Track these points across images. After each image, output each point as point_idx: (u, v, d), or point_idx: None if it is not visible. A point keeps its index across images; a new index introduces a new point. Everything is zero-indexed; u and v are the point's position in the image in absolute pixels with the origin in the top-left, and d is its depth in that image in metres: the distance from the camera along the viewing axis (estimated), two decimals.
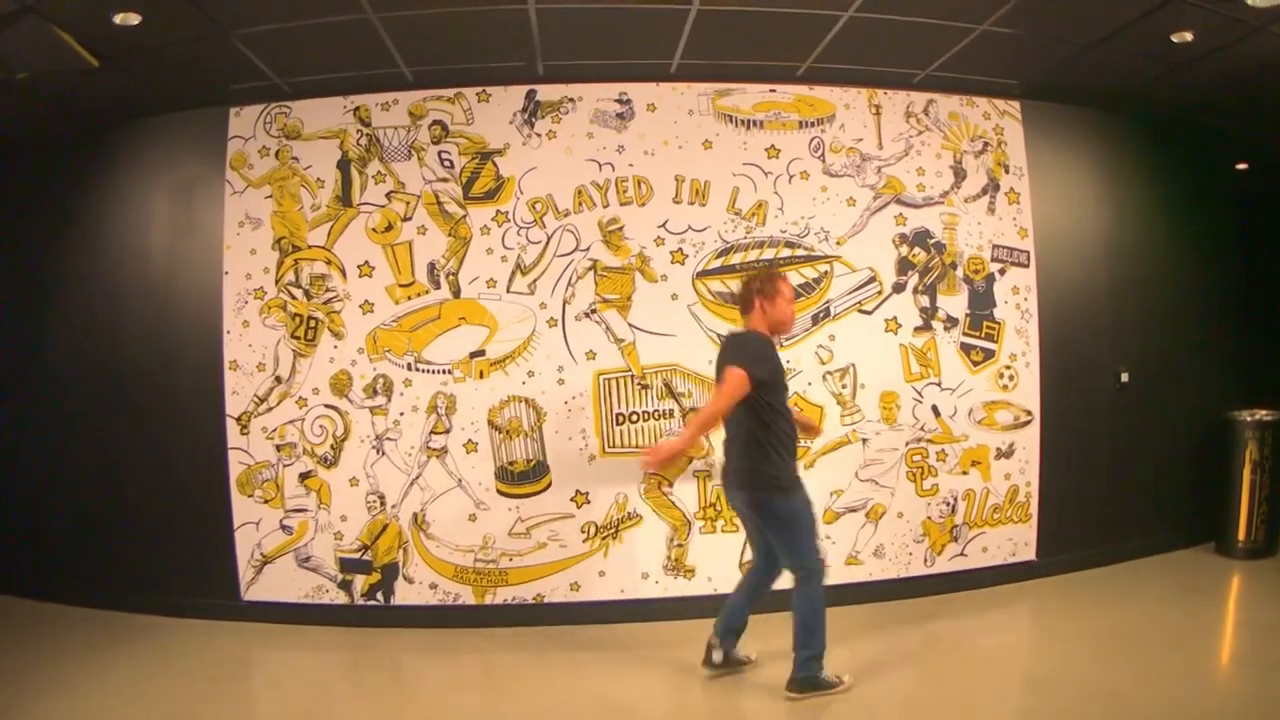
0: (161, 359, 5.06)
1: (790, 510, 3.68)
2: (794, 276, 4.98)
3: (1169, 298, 5.77)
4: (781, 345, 4.61)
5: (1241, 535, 5.59)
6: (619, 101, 4.96)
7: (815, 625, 3.67)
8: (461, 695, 4.04)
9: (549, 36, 4.46)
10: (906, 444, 5.09)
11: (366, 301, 4.90)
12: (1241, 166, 6.62)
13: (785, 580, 3.81)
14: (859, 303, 5.07)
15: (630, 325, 4.90)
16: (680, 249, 4.94)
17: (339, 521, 4.91)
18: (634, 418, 4.91)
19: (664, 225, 4.94)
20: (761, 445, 3.65)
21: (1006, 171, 5.31)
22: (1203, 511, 5.81)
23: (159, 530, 5.09)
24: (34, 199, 5.40)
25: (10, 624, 4.99)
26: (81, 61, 4.19)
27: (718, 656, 3.97)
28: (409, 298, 4.90)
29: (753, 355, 3.65)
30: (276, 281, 4.94)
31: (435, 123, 4.93)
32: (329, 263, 4.93)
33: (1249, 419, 5.60)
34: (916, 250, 5.15)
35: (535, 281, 4.89)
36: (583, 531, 4.89)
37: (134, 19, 3.96)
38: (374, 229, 4.92)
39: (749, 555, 4.20)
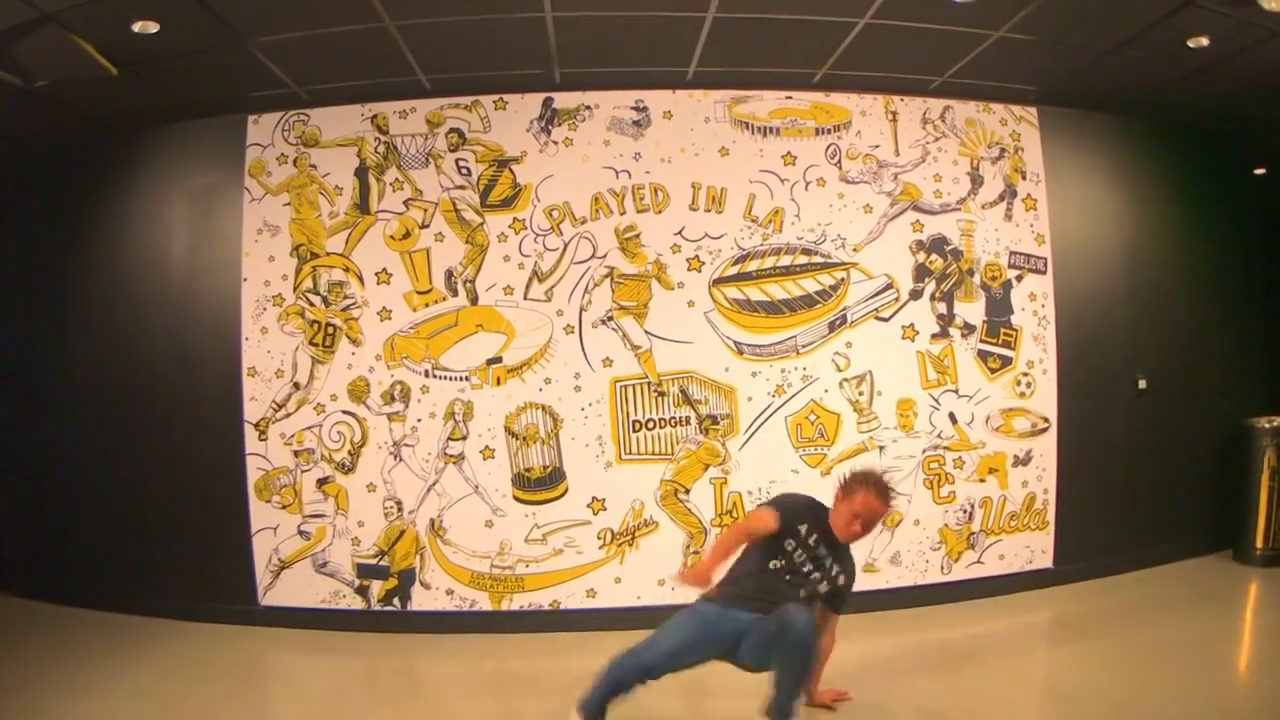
0: (181, 365, 5.08)
1: None
2: (810, 284, 5.00)
3: (1187, 304, 5.75)
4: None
5: (1259, 543, 5.56)
6: (635, 109, 4.96)
7: None
8: (478, 702, 4.05)
9: (566, 44, 4.47)
10: (923, 451, 5.08)
11: (384, 308, 4.92)
12: (1259, 171, 6.59)
13: None
14: (876, 310, 5.06)
15: (647, 332, 4.90)
16: (697, 256, 4.94)
17: (356, 527, 4.92)
18: (650, 425, 4.91)
19: (680, 232, 4.94)
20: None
21: (1024, 177, 5.29)
22: (1221, 518, 5.78)
23: (177, 535, 5.11)
24: (54, 206, 5.42)
25: (29, 627, 5.02)
26: (100, 70, 4.23)
27: None
28: (426, 305, 4.92)
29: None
30: (295, 288, 4.96)
31: (452, 130, 4.94)
32: (347, 270, 4.95)
33: (1268, 426, 5.57)
34: (933, 257, 5.14)
35: (552, 289, 4.90)
36: (599, 538, 4.89)
37: (153, 27, 4.00)
38: (392, 236, 4.93)
39: None
